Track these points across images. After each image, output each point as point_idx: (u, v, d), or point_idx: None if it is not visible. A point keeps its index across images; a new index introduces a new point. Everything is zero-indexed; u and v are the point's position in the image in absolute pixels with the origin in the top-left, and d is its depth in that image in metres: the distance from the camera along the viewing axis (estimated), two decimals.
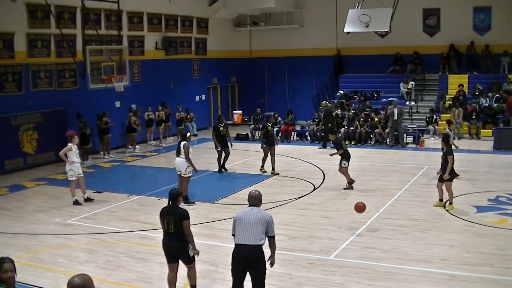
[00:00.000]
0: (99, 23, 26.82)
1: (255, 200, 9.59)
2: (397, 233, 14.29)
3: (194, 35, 35.27)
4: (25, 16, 24.19)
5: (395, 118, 27.31)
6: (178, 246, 10.17)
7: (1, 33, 23.36)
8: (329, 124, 26.87)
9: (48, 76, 25.32)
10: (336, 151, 19.71)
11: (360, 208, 14.83)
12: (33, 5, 24.29)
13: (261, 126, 24.46)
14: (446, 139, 16.86)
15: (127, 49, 27.09)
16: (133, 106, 29.42)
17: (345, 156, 19.40)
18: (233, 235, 9.36)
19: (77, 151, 18.19)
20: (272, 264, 9.54)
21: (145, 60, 31.06)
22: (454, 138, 21.48)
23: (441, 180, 16.37)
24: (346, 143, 28.23)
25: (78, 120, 25.46)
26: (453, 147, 18.45)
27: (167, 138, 31.33)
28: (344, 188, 19.22)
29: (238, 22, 39.47)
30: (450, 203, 16.25)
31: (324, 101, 30.92)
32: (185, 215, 10.13)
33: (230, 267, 9.39)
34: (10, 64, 23.79)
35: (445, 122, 28.22)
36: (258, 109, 32.62)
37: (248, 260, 9.14)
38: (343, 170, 19.37)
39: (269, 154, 21.88)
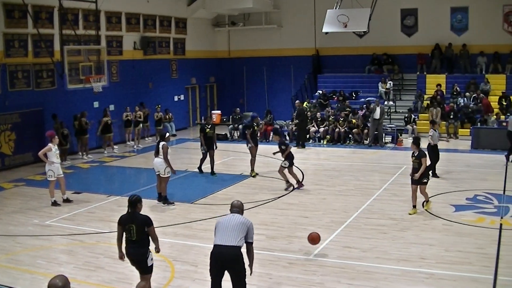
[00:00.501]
0: (77, 23, 26.66)
1: (237, 209, 9.64)
2: (377, 232, 14.34)
3: (173, 35, 35.17)
4: (2, 15, 23.96)
5: (377, 117, 27.44)
6: (139, 254, 9.75)
7: None
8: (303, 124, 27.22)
9: (25, 76, 25.12)
10: (282, 151, 19.69)
11: (313, 239, 12.92)
12: (10, 4, 24.08)
13: (246, 126, 24.11)
14: (417, 142, 16.10)
15: (105, 49, 27.00)
16: (111, 107, 29.31)
17: (288, 157, 19.45)
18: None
19: (57, 152, 18.07)
20: (250, 273, 9.53)
21: (124, 60, 30.92)
22: (438, 138, 21.38)
23: (415, 183, 15.86)
24: (325, 142, 28.58)
25: (53, 120, 25.27)
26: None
27: (146, 139, 31.20)
28: (285, 189, 19.29)
29: (216, 22, 39.42)
30: (427, 201, 16.24)
31: (298, 101, 30.84)
32: (148, 221, 9.74)
33: (209, 267, 9.37)
34: None
35: (423, 121, 28.55)
36: (237, 109, 32.58)
37: (226, 261, 9.14)
38: (282, 169, 19.44)
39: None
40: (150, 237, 9.79)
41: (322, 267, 12.03)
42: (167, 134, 18.33)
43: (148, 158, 21.16)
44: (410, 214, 15.73)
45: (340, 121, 29.16)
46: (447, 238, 13.77)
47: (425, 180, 15.88)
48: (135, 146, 29.19)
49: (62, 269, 11.91)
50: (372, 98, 32.21)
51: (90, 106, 28.02)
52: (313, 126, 29.77)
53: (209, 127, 21.94)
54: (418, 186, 15.85)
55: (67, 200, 18.18)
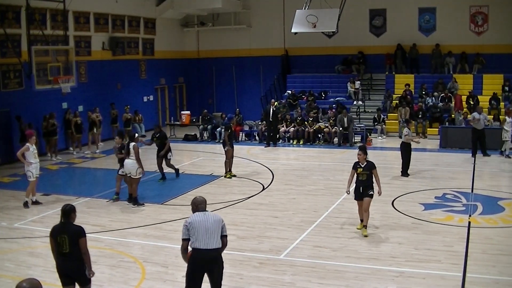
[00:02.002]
0: (45, 23, 26.42)
1: (203, 205, 9.28)
2: (347, 231, 14.41)
3: (142, 35, 35.03)
4: None
5: (345, 125, 27.68)
6: (74, 267, 9.06)
7: None
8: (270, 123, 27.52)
9: None
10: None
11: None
12: None
13: (224, 127, 23.72)
14: (365, 150, 14.13)
15: (73, 49, 26.78)
16: (79, 107, 29.10)
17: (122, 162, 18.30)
18: (186, 239, 8.99)
19: (35, 151, 17.88)
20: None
21: (92, 60, 30.71)
22: (411, 136, 21.49)
23: (360, 197, 14.05)
24: (294, 142, 28.64)
25: (18, 122, 25.00)
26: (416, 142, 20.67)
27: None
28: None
29: (185, 23, 39.34)
30: (365, 225, 14.14)
31: (273, 100, 30.84)
32: (81, 233, 9.05)
33: (186, 270, 9.09)
34: None
35: (392, 121, 28.75)
36: (205, 110, 32.39)
37: (210, 264, 8.97)
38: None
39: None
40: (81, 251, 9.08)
41: (293, 267, 12.06)
42: (136, 135, 18.37)
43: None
44: (358, 228, 14.32)
45: (310, 121, 29.26)
46: (416, 237, 13.88)
47: (372, 193, 13.88)
48: (97, 151, 28.66)
49: (31, 272, 11.81)
50: (342, 98, 32.44)
51: (59, 107, 27.78)
52: (283, 126, 29.82)
53: (157, 136, 21.29)
54: (364, 200, 13.92)
55: (36, 202, 18.02)
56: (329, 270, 11.79)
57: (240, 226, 15.16)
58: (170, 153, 20.98)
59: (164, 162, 21.15)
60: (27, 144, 17.65)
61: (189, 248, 9.00)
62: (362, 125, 29.76)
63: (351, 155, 25.07)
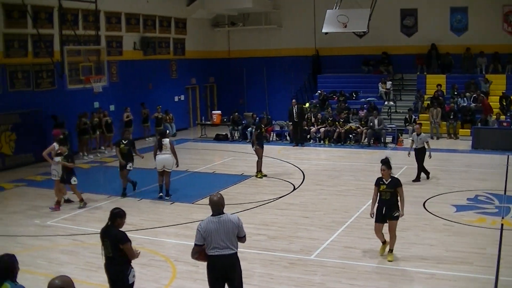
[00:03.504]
0: (77, 23, 26.66)
1: (219, 207, 8.93)
2: None
3: (172, 35, 35.18)
4: (2, 16, 24.01)
5: (376, 127, 27.57)
6: (115, 271, 8.88)
7: None
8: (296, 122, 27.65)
9: (25, 76, 25.15)
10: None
11: None
12: (9, 5, 24.11)
13: (256, 127, 23.70)
14: (389, 164, 12.46)
15: (105, 49, 27.01)
16: (111, 107, 29.32)
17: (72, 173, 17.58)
18: (199, 245, 8.82)
19: None
20: None
21: (123, 60, 30.94)
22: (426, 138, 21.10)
23: (382, 220, 12.38)
24: (326, 143, 28.57)
25: (53, 121, 25.25)
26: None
27: (146, 139, 31.25)
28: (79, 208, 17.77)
29: (216, 22, 39.41)
30: (389, 248, 12.60)
31: (294, 100, 30.66)
32: (122, 238, 8.82)
33: (207, 279, 8.96)
34: None
35: (424, 122, 28.54)
36: (236, 113, 32.22)
37: (228, 272, 8.82)
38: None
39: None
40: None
41: (323, 267, 12.04)
42: (167, 131, 18.64)
43: (148, 158, 21.11)
44: (382, 254, 12.67)
45: (340, 122, 29.17)
46: (448, 238, 13.77)
47: (397, 214, 12.23)
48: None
49: (63, 269, 11.91)
50: (373, 99, 32.28)
51: (90, 107, 28.01)
52: (314, 126, 29.78)
53: (125, 142, 19.42)
54: (388, 223, 12.32)
55: (68, 201, 18.19)
56: (360, 271, 11.75)
57: (271, 226, 15.16)
58: (130, 163, 19.05)
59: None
60: (54, 143, 17.81)
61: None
62: (393, 126, 29.58)
63: (382, 156, 24.92)
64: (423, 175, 20.09)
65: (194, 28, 37.16)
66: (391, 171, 12.39)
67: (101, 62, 25.80)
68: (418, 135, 20.04)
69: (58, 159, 17.44)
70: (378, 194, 12.29)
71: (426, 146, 19.87)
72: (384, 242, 12.55)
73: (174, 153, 18.26)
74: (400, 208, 12.15)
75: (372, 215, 12.41)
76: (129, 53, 31.49)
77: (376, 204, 12.39)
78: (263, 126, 21.85)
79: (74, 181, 17.34)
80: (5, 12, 24.12)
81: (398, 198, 12.19)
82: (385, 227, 12.34)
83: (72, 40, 25.43)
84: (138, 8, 31.80)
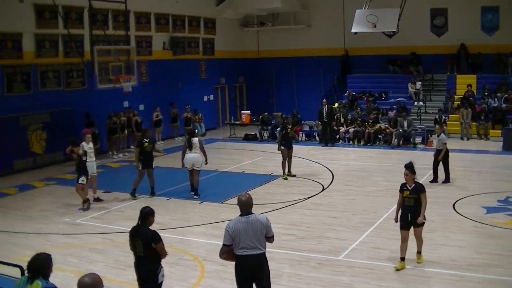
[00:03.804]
0: (107, 23, 26.86)
1: (247, 207, 8.96)
2: None
3: (202, 35, 35.31)
4: (33, 16, 24.28)
5: (405, 129, 27.42)
6: (146, 271, 8.94)
7: (9, 33, 23.49)
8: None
9: (56, 76, 25.42)
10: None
11: None
12: (40, 5, 24.38)
13: (280, 127, 23.70)
14: (413, 169, 12.04)
15: (134, 49, 27.13)
16: (140, 106, 29.56)
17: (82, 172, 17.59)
18: (227, 245, 8.86)
19: (91, 150, 18.18)
20: None
21: (153, 60, 31.11)
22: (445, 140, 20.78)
23: (407, 227, 11.93)
24: (355, 143, 28.49)
25: (87, 119, 25.53)
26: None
27: (175, 138, 31.42)
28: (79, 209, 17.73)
29: (245, 22, 39.45)
30: (420, 252, 12.32)
31: (324, 100, 30.55)
32: (154, 238, 8.90)
33: (235, 279, 9.01)
34: (19, 64, 23.92)
35: (454, 122, 28.33)
36: (266, 113, 32.20)
37: (256, 272, 8.84)
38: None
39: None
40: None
41: (351, 268, 12.01)
42: (196, 131, 18.85)
43: (177, 157, 21.16)
44: (398, 269, 11.88)
45: (370, 123, 29.06)
46: (478, 240, 13.66)
47: (424, 220, 11.93)
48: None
49: (92, 267, 12.00)
50: (402, 99, 32.09)
51: (120, 106, 28.20)
52: (343, 126, 29.71)
53: (290, 126, 21.44)
54: (414, 230, 11.96)
55: (97, 199, 18.35)
56: (388, 272, 11.69)
57: (299, 226, 15.16)
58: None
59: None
60: (82, 143, 17.93)
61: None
62: (423, 126, 29.39)
63: (411, 157, 24.78)
64: (442, 176, 19.90)
65: (223, 28, 37.24)
66: (415, 176, 11.96)
67: (131, 62, 25.93)
68: (438, 136, 19.91)
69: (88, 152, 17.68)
70: (403, 200, 11.91)
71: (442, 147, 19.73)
72: (403, 259, 11.91)
73: (203, 151, 18.51)
74: (421, 213, 11.71)
75: (396, 221, 12.10)
76: (159, 53, 31.65)
77: (401, 210, 12.01)
78: (289, 127, 21.70)
79: (82, 180, 17.35)
80: (37, 12, 24.40)
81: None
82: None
83: (102, 40, 25.60)
84: (168, 8, 31.96)
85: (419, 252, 12.14)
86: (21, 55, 23.98)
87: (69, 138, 19.15)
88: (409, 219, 11.77)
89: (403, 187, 11.98)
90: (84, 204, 17.60)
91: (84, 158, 17.45)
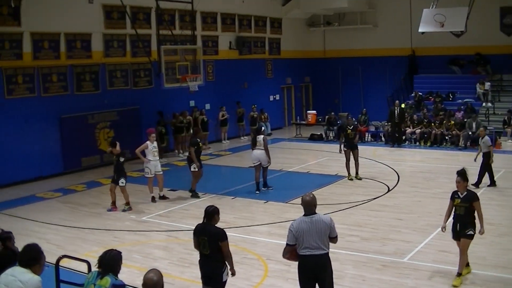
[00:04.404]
0: (173, 23, 27.20)
1: (311, 207, 8.92)
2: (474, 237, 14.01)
3: (268, 35, 35.38)
4: (102, 16, 24.74)
5: (474, 130, 26.94)
6: (212, 268, 8.98)
7: (78, 33, 23.97)
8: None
9: (123, 75, 25.83)
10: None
11: None
12: (109, 6, 24.81)
13: (339, 128, 23.56)
14: (465, 176, 11.30)
15: (201, 49, 27.32)
16: (206, 106, 29.83)
17: (122, 174, 17.57)
18: (290, 245, 8.84)
19: (155, 149, 18.38)
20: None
21: (219, 59, 31.33)
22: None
23: (457, 238, 11.31)
24: (422, 144, 28.14)
25: (159, 116, 26.21)
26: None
27: (241, 138, 31.61)
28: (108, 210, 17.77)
29: (311, 22, 39.38)
30: (467, 265, 11.60)
31: (397, 101, 30.32)
32: (222, 236, 8.95)
33: (300, 280, 8.99)
34: (88, 64, 24.38)
35: None
36: (332, 113, 32.13)
37: (319, 273, 8.79)
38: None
39: (352, 159, 21.16)
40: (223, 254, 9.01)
41: (416, 271, 11.86)
42: (263, 128, 18.99)
43: (243, 157, 21.29)
44: (455, 286, 10.98)
45: (436, 123, 28.66)
46: None
47: (472, 232, 11.03)
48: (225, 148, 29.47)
49: (157, 264, 12.15)
50: (470, 100, 31.52)
51: (186, 105, 28.48)
52: (409, 127, 29.39)
53: (351, 128, 21.18)
54: (461, 241, 11.18)
55: (163, 197, 18.60)
56: (454, 275, 11.46)
57: (364, 227, 15.05)
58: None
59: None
60: (147, 142, 18.13)
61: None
62: (491, 128, 28.82)
63: (479, 159, 24.43)
64: (486, 180, 19.43)
65: (290, 28, 37.25)
66: (467, 183, 11.28)
67: (197, 62, 26.13)
68: (482, 138, 19.48)
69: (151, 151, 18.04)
70: (454, 208, 11.34)
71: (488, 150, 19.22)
72: (460, 274, 11.13)
73: (266, 150, 18.73)
74: (480, 225, 11.03)
75: (443, 230, 11.66)
76: (225, 52, 31.85)
77: (452, 220, 11.44)
78: (349, 128, 21.49)
79: (122, 182, 17.39)
80: (105, 13, 24.84)
81: (476, 214, 11.05)
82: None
83: (169, 39, 25.90)
84: (234, 8, 32.13)
85: (459, 274, 11.13)
86: (90, 55, 24.44)
87: (110, 140, 19.46)
88: (458, 229, 11.19)
89: (454, 195, 11.36)
90: (126, 206, 17.61)
91: (121, 160, 17.50)
